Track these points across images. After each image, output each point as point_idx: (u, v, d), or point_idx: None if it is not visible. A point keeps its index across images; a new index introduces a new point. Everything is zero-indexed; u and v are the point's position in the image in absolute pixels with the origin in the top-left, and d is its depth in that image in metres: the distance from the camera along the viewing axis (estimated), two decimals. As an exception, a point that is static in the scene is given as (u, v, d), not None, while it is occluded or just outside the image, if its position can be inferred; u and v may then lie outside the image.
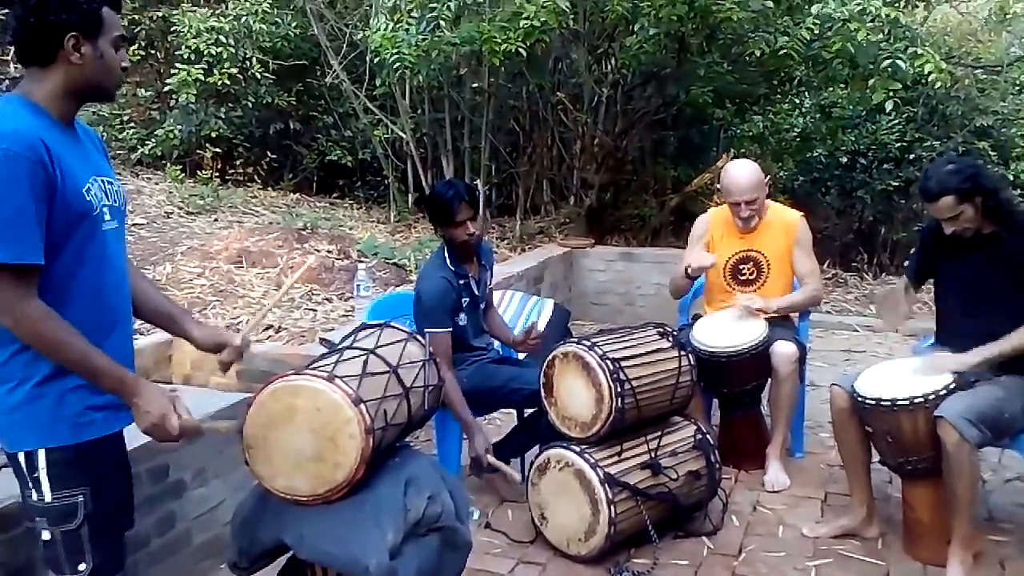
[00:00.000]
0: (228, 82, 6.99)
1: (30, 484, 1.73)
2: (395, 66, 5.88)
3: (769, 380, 3.61)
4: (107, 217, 1.78)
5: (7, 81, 6.84)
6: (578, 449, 2.98)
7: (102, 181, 1.79)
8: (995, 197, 2.88)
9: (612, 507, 2.88)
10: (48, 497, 1.72)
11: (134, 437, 1.93)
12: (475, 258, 3.41)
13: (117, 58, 1.79)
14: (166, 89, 7.21)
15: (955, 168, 2.88)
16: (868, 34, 5.18)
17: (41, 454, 1.71)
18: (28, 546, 1.76)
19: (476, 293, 3.39)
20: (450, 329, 3.24)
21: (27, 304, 1.62)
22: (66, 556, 1.75)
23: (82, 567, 1.75)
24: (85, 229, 1.71)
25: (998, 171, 8.07)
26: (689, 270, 3.72)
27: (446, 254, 3.33)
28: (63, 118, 1.75)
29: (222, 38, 6.94)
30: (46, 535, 1.74)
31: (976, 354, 2.83)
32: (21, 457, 1.72)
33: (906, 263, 3.34)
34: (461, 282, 3.31)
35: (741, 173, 3.73)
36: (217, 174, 7.65)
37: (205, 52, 6.89)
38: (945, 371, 2.84)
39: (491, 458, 3.13)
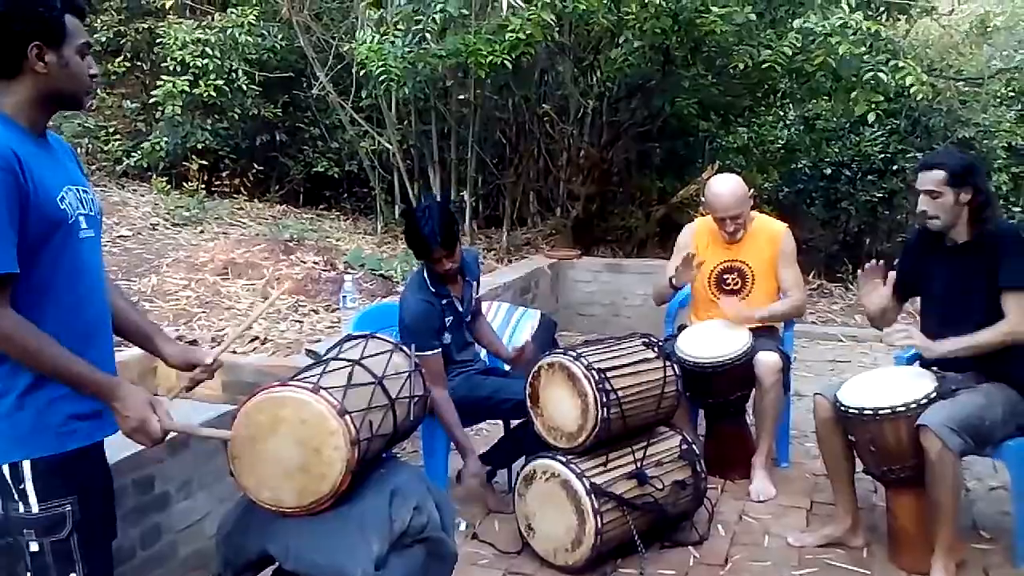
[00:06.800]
0: (214, 94, 6.97)
1: (15, 496, 1.70)
2: (381, 78, 5.89)
3: (754, 390, 3.62)
4: (83, 226, 1.77)
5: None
6: (564, 459, 2.99)
7: (77, 190, 1.78)
8: (986, 197, 2.96)
9: (598, 517, 2.88)
10: (35, 508, 1.70)
11: (119, 450, 1.92)
12: (457, 276, 3.38)
13: (84, 65, 1.77)
14: (152, 101, 7.19)
15: (961, 154, 3.09)
16: (850, 47, 5.23)
17: (26, 465, 1.69)
18: (8, 561, 1.73)
19: (460, 310, 3.37)
20: (439, 350, 3.24)
21: (1, 314, 1.60)
22: (56, 567, 1.72)
23: None
24: (60, 238, 1.70)
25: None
26: (673, 280, 3.74)
27: (425, 275, 3.30)
28: (33, 128, 1.74)
29: (208, 50, 6.93)
30: (34, 547, 1.71)
31: (948, 344, 2.88)
32: (5, 469, 1.70)
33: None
34: (443, 302, 3.29)
35: (724, 189, 3.73)
36: (203, 186, 7.63)
37: (191, 64, 6.88)
38: (917, 346, 2.92)
39: (481, 485, 3.30)
